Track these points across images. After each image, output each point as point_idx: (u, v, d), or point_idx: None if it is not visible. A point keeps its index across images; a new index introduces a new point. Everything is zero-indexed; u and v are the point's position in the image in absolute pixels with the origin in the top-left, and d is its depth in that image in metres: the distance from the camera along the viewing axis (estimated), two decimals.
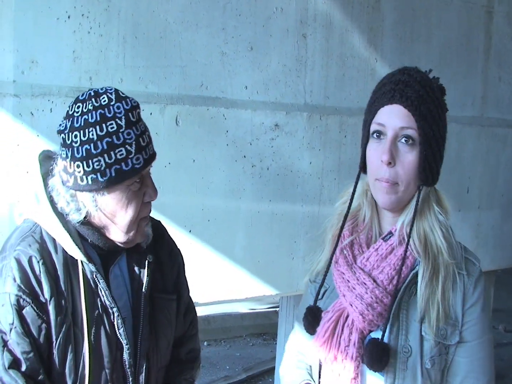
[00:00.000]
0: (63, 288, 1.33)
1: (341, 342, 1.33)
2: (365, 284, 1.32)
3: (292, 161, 3.03)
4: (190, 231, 2.73)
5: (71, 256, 1.34)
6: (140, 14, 2.45)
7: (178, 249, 1.64)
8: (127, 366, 1.40)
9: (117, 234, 1.37)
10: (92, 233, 1.37)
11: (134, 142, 1.29)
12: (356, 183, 1.41)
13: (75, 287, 1.34)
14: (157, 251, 1.52)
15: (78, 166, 1.29)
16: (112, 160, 1.27)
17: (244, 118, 2.83)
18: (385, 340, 1.30)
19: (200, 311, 4.57)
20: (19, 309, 1.29)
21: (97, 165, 1.27)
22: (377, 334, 1.31)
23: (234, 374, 4.38)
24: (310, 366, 1.49)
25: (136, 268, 1.45)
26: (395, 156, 1.29)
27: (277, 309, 4.69)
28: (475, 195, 3.93)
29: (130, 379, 1.41)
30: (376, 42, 3.25)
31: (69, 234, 1.33)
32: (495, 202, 4.08)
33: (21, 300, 1.29)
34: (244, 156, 2.86)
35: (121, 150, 1.28)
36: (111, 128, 1.27)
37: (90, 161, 1.28)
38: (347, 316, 1.34)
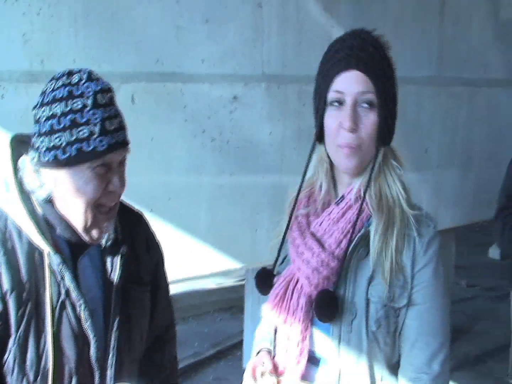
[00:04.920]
0: (26, 280, 1.35)
1: (290, 306, 1.40)
2: (312, 248, 1.39)
3: (252, 133, 3.14)
4: (151, 210, 2.80)
5: (38, 247, 1.37)
6: None
7: (157, 241, 1.67)
8: (94, 360, 1.41)
9: (75, 219, 1.39)
10: (59, 221, 1.39)
11: (99, 124, 1.30)
12: (312, 152, 1.47)
13: (40, 279, 1.36)
14: (133, 241, 1.55)
15: (42, 142, 1.33)
16: (73, 138, 1.30)
17: (202, 92, 2.92)
18: None
19: None
20: None
21: (58, 141, 1.30)
22: None
23: (203, 351, 4.55)
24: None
25: (109, 259, 1.48)
26: (356, 122, 1.34)
27: (243, 282, 4.87)
28: (434, 154, 4.12)
29: (97, 372, 1.42)
30: (332, 7, 3.35)
31: (37, 224, 1.36)
32: (454, 160, 4.27)
33: None
34: (204, 131, 2.96)
35: (83, 129, 1.30)
36: (77, 105, 1.30)
37: (52, 136, 1.31)
38: (297, 281, 1.41)
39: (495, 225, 2.74)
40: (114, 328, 1.45)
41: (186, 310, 5.14)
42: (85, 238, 1.40)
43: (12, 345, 1.34)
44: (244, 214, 3.18)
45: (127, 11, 2.62)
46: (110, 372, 1.44)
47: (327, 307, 1.35)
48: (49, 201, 1.40)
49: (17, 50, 2.36)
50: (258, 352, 1.55)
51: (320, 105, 1.40)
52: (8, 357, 1.35)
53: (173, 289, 5.10)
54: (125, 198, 2.70)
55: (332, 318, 1.35)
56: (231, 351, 4.62)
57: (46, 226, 1.39)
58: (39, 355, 1.35)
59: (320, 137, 1.44)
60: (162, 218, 2.88)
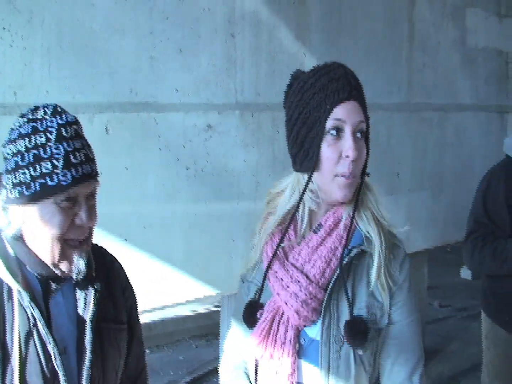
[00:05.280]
0: None
1: (277, 340, 1.40)
2: (298, 281, 1.39)
3: (226, 160, 3.15)
4: (126, 240, 2.82)
5: (7, 284, 1.35)
6: (64, 23, 2.49)
7: (131, 285, 1.66)
8: None
9: (43, 253, 1.37)
10: (28, 258, 1.38)
11: (62, 157, 1.30)
12: (307, 184, 1.43)
13: (8, 317, 1.34)
14: (108, 280, 1.54)
15: (8, 179, 1.33)
16: (38, 174, 1.29)
17: (176, 121, 2.93)
18: (318, 332, 1.39)
19: (141, 319, 4.67)
20: None
21: (23, 178, 1.30)
22: (311, 329, 1.41)
23: (178, 379, 4.50)
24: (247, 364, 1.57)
25: (82, 295, 1.45)
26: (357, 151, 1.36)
27: (219, 308, 4.85)
28: (405, 178, 4.18)
29: None
30: (304, 36, 3.39)
31: (6, 261, 1.36)
32: (425, 183, 4.34)
33: None
34: (178, 159, 2.96)
35: (47, 164, 1.29)
36: (40, 141, 1.30)
37: (17, 173, 1.31)
38: (282, 314, 1.41)
39: (465, 248, 2.79)
40: (86, 366, 1.41)
41: (160, 338, 5.10)
42: (56, 271, 1.39)
43: None
44: (219, 241, 3.18)
45: (100, 41, 2.62)
46: None
47: (360, 334, 1.35)
48: (18, 238, 1.39)
49: None
50: None
51: (318, 134, 1.38)
52: None
53: (148, 318, 5.05)
54: (100, 227, 2.71)
55: (364, 344, 1.36)
56: (207, 377, 4.59)
57: (16, 263, 1.38)
58: None
59: (311, 166, 1.41)
60: (136, 247, 2.87)
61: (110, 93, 2.69)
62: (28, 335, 1.35)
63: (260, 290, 1.48)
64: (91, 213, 1.38)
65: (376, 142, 3.64)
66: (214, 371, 4.52)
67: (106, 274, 1.54)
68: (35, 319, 1.35)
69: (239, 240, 3.22)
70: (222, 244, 3.19)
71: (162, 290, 2.98)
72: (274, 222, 1.51)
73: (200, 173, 3.06)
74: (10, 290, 1.36)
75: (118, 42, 2.68)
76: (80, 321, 1.44)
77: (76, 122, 1.36)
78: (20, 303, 1.35)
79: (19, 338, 1.33)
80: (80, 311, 1.44)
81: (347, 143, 1.36)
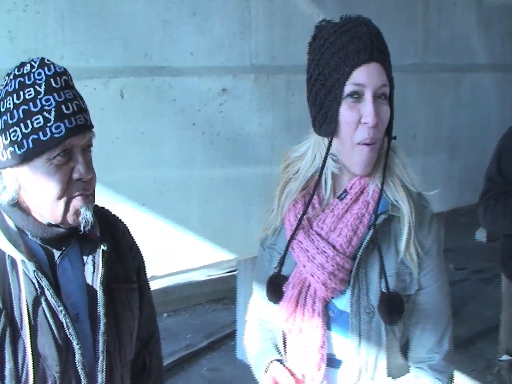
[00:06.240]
0: None
1: (305, 313, 1.35)
2: (325, 252, 1.33)
3: (241, 124, 3.15)
4: (143, 204, 2.83)
5: (10, 255, 1.29)
6: None
7: (137, 243, 1.59)
8: (80, 367, 1.32)
9: (45, 215, 1.31)
10: (28, 224, 1.32)
11: (54, 109, 1.23)
12: (328, 150, 1.35)
13: (14, 289, 1.28)
14: (114, 240, 1.47)
15: None
16: (29, 130, 1.23)
17: (191, 85, 2.91)
18: (348, 303, 1.33)
19: (158, 284, 4.73)
20: None
21: (13, 136, 1.23)
22: (340, 300, 1.35)
23: (195, 342, 4.56)
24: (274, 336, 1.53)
25: (90, 259, 1.39)
26: (378, 116, 1.28)
27: (234, 273, 4.88)
28: (421, 140, 4.15)
29: (84, 381, 1.33)
30: None
31: (6, 231, 1.30)
32: (441, 145, 4.31)
33: None
34: (194, 124, 2.96)
35: (38, 118, 1.22)
36: (29, 95, 1.23)
37: (7, 132, 1.24)
38: (309, 286, 1.36)
39: (479, 208, 2.79)
40: (101, 331, 1.36)
41: (178, 303, 5.15)
42: (62, 227, 1.33)
43: None
44: (236, 205, 3.19)
45: (114, 5, 2.60)
46: (101, 377, 1.36)
47: (396, 312, 1.31)
48: (14, 205, 1.32)
49: (4, 47, 2.33)
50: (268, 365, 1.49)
51: (336, 98, 1.30)
52: None
53: (165, 282, 5.10)
54: (116, 192, 2.73)
55: (399, 318, 1.32)
56: (224, 341, 4.63)
57: (16, 233, 1.32)
58: (18, 369, 1.27)
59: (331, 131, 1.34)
60: (153, 212, 2.89)
61: (124, 58, 2.67)
62: (37, 306, 1.29)
63: (282, 259, 1.42)
64: (89, 166, 1.31)
65: None
66: (231, 335, 4.57)
67: (112, 234, 1.47)
68: (42, 289, 1.29)
69: (256, 204, 3.23)
70: (238, 208, 3.20)
71: (179, 255, 3.00)
72: (296, 188, 1.43)
73: (215, 138, 3.06)
74: (13, 261, 1.29)
75: (131, 6, 2.66)
76: (90, 285, 1.38)
77: (65, 72, 1.29)
78: (25, 274, 1.28)
79: (28, 310, 1.27)
80: (89, 275, 1.39)
81: (367, 108, 1.28)
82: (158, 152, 2.87)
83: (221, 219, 3.15)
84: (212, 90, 3.00)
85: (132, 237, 1.58)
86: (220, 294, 5.34)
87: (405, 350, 1.42)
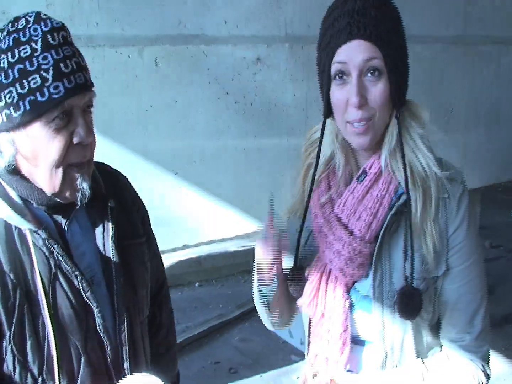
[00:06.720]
0: (8, 268, 1.21)
1: (327, 298, 1.34)
2: (341, 239, 1.31)
3: (275, 95, 3.12)
4: (176, 174, 2.83)
5: (17, 227, 1.23)
6: None
7: (138, 195, 1.54)
8: (102, 331, 1.29)
9: (42, 183, 1.24)
10: (32, 192, 1.26)
11: (51, 68, 1.14)
12: (323, 131, 1.36)
13: (25, 262, 1.23)
14: (117, 195, 1.42)
15: None
16: (25, 90, 1.14)
17: (225, 54, 2.90)
18: (370, 288, 1.31)
19: (191, 253, 4.79)
20: None
21: (9, 98, 1.15)
22: (362, 285, 1.33)
23: (227, 312, 4.62)
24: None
25: (98, 219, 1.34)
26: (364, 94, 1.24)
27: None
28: (460, 115, 4.06)
29: (107, 343, 1.31)
30: None
31: (10, 202, 1.24)
32: (480, 120, 4.22)
33: None
34: (227, 93, 2.95)
35: (35, 78, 1.14)
36: (24, 53, 1.14)
37: (2, 94, 1.15)
38: (330, 272, 1.35)
39: None
40: (119, 291, 1.33)
41: (210, 272, 5.20)
42: (58, 200, 1.27)
43: (8, 343, 1.22)
44: (268, 176, 3.18)
45: None
46: (123, 337, 1.34)
47: (411, 306, 1.28)
48: (13, 172, 1.25)
49: None
50: None
51: (324, 80, 1.29)
52: (6, 357, 1.22)
53: (198, 252, 5.11)
54: (150, 161, 2.75)
55: (415, 316, 1.29)
56: (255, 312, 4.66)
57: (20, 202, 1.26)
58: (39, 343, 1.23)
59: (328, 112, 1.32)
60: (186, 181, 2.90)
61: (158, 26, 2.68)
62: (51, 278, 1.24)
63: (305, 242, 1.41)
64: (90, 128, 1.24)
65: (429, 76, 3.52)
66: None
67: (114, 189, 1.42)
68: (55, 258, 1.24)
69: (288, 175, 3.17)
70: (271, 179, 3.19)
71: (211, 225, 3.02)
72: (318, 169, 1.40)
73: (249, 108, 3.04)
74: (21, 233, 1.23)
75: None
76: (102, 245, 1.34)
77: (63, 27, 1.19)
78: (35, 244, 1.23)
79: (43, 283, 1.22)
80: (99, 235, 1.34)
81: (350, 88, 1.23)
82: (191, 121, 2.87)
83: (253, 190, 3.15)
84: (246, 59, 2.98)
85: (133, 189, 1.53)
86: (252, 265, 5.37)
87: (437, 328, 1.39)
